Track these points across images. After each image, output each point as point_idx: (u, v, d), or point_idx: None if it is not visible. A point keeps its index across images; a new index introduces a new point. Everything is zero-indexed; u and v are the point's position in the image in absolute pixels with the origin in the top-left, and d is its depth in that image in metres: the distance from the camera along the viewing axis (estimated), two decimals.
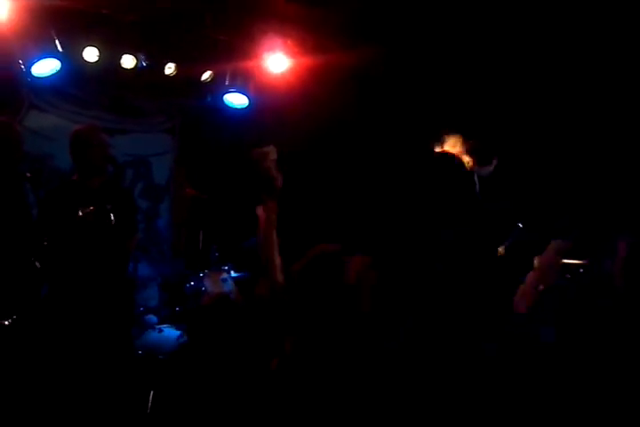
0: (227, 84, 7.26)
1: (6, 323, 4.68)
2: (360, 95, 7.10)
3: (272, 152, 2.97)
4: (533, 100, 6.56)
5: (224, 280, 6.39)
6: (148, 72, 7.01)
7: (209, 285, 6.28)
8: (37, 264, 4.98)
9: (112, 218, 4.91)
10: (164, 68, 7.06)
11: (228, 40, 7.06)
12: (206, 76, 7.25)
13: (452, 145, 5.57)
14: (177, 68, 7.07)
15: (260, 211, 2.92)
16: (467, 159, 5.37)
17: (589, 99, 6.21)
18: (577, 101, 6.29)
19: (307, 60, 7.08)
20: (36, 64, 6.40)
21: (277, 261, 2.87)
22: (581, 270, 4.68)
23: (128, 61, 6.85)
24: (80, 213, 4.83)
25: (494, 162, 5.52)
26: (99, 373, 4.77)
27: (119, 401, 4.80)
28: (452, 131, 5.66)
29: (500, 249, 5.11)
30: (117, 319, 4.95)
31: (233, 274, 6.55)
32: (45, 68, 6.46)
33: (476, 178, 4.83)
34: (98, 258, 4.90)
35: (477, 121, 6.95)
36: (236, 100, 7.32)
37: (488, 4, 6.24)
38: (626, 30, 5.73)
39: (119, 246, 5.00)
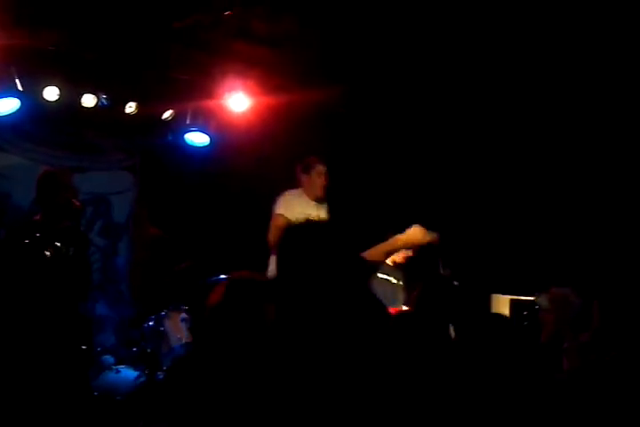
0: (188, 122, 7.30)
1: None
2: (321, 133, 7.16)
3: None
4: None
5: (183, 320, 6.32)
6: (109, 111, 7.02)
7: (168, 325, 6.20)
8: None
9: (72, 261, 4.89)
10: (124, 107, 7.06)
11: (189, 79, 7.10)
12: (167, 114, 7.26)
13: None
14: (138, 106, 7.08)
15: None
16: None
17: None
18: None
19: (267, 100, 7.15)
20: None
21: None
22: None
23: (88, 100, 6.86)
24: (48, 254, 4.81)
25: None
26: (54, 412, 4.68)
27: None
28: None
29: None
30: (73, 359, 4.87)
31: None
32: (5, 106, 6.44)
33: None
34: (56, 298, 4.84)
35: (440, 157, 7.08)
36: (196, 138, 7.35)
37: (449, 42, 6.37)
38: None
39: (75, 287, 4.96)
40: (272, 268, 5.48)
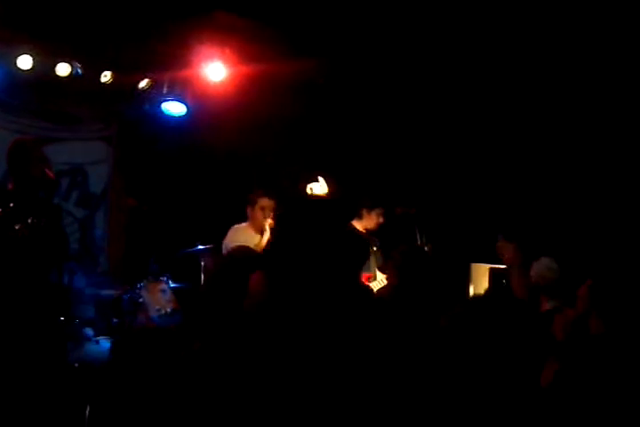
0: (164, 92, 7.21)
1: None
2: (297, 104, 7.12)
3: None
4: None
5: (163, 291, 6.32)
6: (84, 80, 6.92)
7: (147, 296, 6.20)
8: None
9: (44, 232, 4.83)
10: (100, 76, 6.97)
11: (166, 49, 7.01)
12: (144, 84, 7.18)
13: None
14: (113, 75, 6.99)
15: None
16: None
17: None
18: None
19: (245, 69, 7.07)
20: None
21: None
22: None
23: (63, 69, 6.76)
24: (17, 227, 4.74)
25: None
26: (31, 384, 4.66)
27: (54, 414, 4.70)
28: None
29: None
30: (50, 330, 4.85)
31: (171, 284, 6.48)
32: None
33: None
34: (28, 269, 4.80)
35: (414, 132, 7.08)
36: (173, 108, 7.28)
37: (427, 14, 6.33)
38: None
39: (48, 258, 4.92)
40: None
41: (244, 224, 5.88)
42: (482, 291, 5.35)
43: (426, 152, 7.11)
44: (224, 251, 5.66)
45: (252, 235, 5.70)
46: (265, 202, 5.78)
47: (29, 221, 4.77)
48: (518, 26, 6.05)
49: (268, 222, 5.59)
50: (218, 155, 7.50)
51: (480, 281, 5.48)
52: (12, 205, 4.79)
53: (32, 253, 4.77)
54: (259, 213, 5.75)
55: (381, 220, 6.05)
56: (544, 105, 6.42)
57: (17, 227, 4.74)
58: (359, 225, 6.03)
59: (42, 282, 4.81)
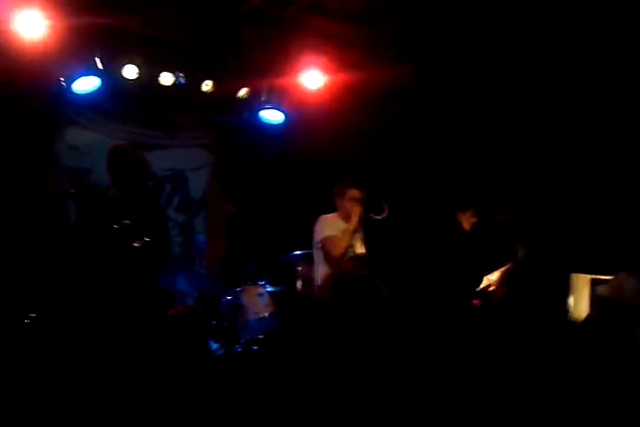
0: (263, 100, 7.35)
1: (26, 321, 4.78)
2: (396, 112, 7.14)
3: None
4: None
5: (261, 295, 6.45)
6: (186, 89, 7.13)
7: (246, 299, 6.33)
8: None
9: (145, 235, 4.97)
10: (201, 85, 7.17)
11: (264, 57, 7.14)
12: (242, 92, 7.34)
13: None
14: (214, 84, 7.17)
15: None
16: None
17: None
18: None
19: (342, 77, 7.13)
20: (76, 81, 6.56)
21: None
22: None
23: (166, 78, 6.98)
24: (115, 226, 4.89)
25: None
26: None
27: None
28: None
29: None
30: (153, 333, 4.99)
31: (269, 288, 6.60)
32: (85, 85, 6.62)
33: None
34: (129, 272, 4.95)
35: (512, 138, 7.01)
36: (271, 116, 7.42)
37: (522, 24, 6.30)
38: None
39: (151, 262, 5.05)
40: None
41: (332, 214, 5.89)
42: (582, 302, 5.25)
43: (521, 156, 7.02)
44: (314, 240, 5.70)
45: (340, 224, 5.70)
46: (354, 193, 5.80)
47: (130, 220, 4.92)
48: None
49: (356, 211, 5.60)
50: (314, 162, 7.59)
51: (581, 292, 5.39)
52: (111, 209, 4.98)
53: (145, 261, 4.92)
54: (348, 204, 5.77)
55: (475, 219, 6.06)
56: None
57: (117, 226, 4.91)
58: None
59: (148, 283, 4.95)
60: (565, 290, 5.44)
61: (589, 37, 6.06)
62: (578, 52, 6.23)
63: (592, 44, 6.10)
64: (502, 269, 5.31)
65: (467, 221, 6.06)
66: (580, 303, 5.29)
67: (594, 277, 5.35)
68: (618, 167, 6.36)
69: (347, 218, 5.70)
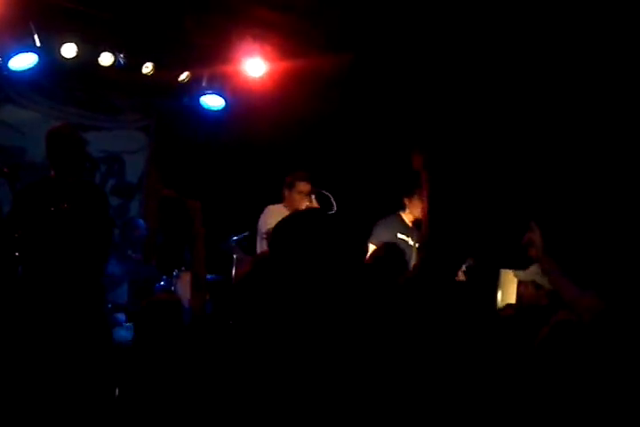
0: (204, 85, 7.32)
1: None
2: (335, 100, 7.20)
3: None
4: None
5: None
6: (126, 70, 7.05)
7: (180, 286, 6.31)
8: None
9: (86, 215, 4.92)
10: (141, 67, 7.09)
11: (206, 43, 7.11)
12: (183, 76, 7.29)
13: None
14: (154, 67, 7.10)
15: None
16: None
17: None
18: None
19: (284, 65, 7.15)
20: (13, 58, 6.42)
21: None
22: None
23: (106, 59, 6.88)
24: (52, 209, 4.84)
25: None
26: (73, 367, 4.77)
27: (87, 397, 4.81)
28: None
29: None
30: (90, 316, 4.96)
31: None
32: (23, 62, 6.47)
33: None
34: (71, 254, 4.90)
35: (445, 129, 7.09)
36: (212, 101, 7.39)
37: (461, 12, 6.39)
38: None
39: (94, 244, 5.01)
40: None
41: (278, 205, 5.91)
42: (510, 297, 5.39)
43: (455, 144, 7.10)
44: (259, 230, 5.71)
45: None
46: (304, 186, 5.83)
47: (72, 201, 4.87)
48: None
49: (305, 205, 5.63)
50: (254, 148, 7.60)
51: (508, 287, 5.54)
52: (52, 190, 4.92)
53: (71, 235, 4.87)
54: (296, 196, 5.80)
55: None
56: None
57: (57, 208, 4.86)
58: (408, 217, 6.03)
59: (85, 267, 4.91)
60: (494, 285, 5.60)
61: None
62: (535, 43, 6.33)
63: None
64: None
65: (414, 207, 6.07)
66: (507, 298, 5.45)
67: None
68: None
69: (293, 210, 5.75)
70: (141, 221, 7.12)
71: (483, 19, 6.40)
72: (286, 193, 5.91)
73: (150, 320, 4.03)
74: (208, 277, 6.55)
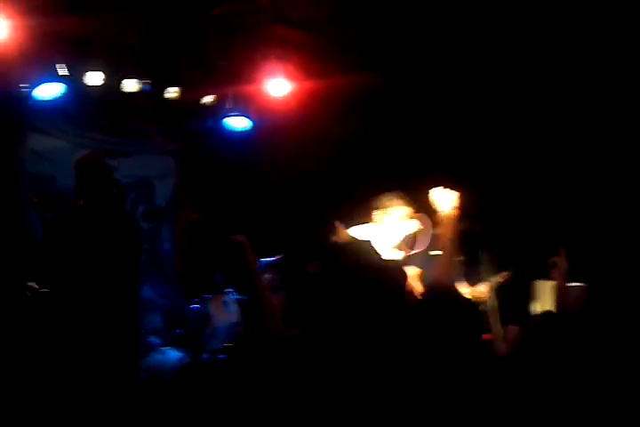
0: (228, 107, 7.36)
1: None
2: (360, 119, 7.19)
3: None
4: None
5: (226, 303, 6.44)
6: (151, 95, 7.11)
7: (212, 307, 6.32)
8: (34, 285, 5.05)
9: (117, 243, 4.93)
10: (165, 92, 7.14)
11: (229, 64, 7.15)
12: (208, 99, 7.33)
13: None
14: (179, 91, 7.16)
15: None
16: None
17: None
18: None
19: (307, 85, 7.17)
20: (38, 87, 6.49)
21: None
22: None
23: (131, 85, 6.94)
24: (82, 238, 4.86)
25: None
26: (104, 393, 4.76)
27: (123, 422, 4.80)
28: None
29: None
30: (124, 341, 4.95)
31: (236, 296, 6.58)
32: (48, 91, 6.55)
33: None
34: (104, 282, 4.91)
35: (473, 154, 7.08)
36: (237, 123, 7.43)
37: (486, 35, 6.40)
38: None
39: (126, 270, 5.01)
40: None
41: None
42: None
43: (491, 164, 7.07)
44: None
45: None
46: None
47: (101, 230, 4.89)
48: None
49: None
50: (280, 169, 7.60)
51: (545, 298, 5.46)
52: (81, 219, 4.94)
53: (103, 264, 4.88)
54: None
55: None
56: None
57: (88, 237, 4.88)
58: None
59: (119, 294, 4.91)
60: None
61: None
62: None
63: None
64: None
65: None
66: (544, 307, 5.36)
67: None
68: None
69: None
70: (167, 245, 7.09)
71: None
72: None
73: None
74: (240, 297, 6.57)
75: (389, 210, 5.23)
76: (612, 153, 6.46)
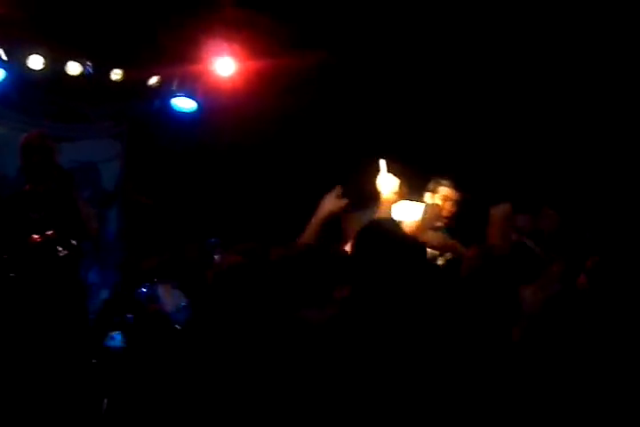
0: (174, 88, 7.27)
1: None
2: (306, 98, 7.14)
3: None
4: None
5: (175, 287, 6.38)
6: (95, 78, 6.99)
7: (162, 291, 6.26)
8: None
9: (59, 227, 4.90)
10: (110, 74, 7.04)
11: (175, 45, 7.05)
12: (153, 80, 7.24)
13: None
14: (123, 73, 7.05)
15: None
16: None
17: None
18: None
19: (254, 64, 7.11)
20: None
21: None
22: None
23: (74, 68, 6.83)
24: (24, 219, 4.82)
25: None
26: (53, 378, 4.75)
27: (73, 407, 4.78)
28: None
29: None
30: (71, 326, 4.93)
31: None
32: None
33: None
34: (48, 266, 4.87)
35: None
36: (184, 104, 7.34)
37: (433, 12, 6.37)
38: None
39: (69, 254, 4.98)
40: None
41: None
42: None
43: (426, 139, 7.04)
44: None
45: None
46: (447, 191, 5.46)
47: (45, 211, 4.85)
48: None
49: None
50: (228, 149, 7.54)
51: None
52: (27, 203, 4.89)
53: (47, 249, 4.85)
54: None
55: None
56: None
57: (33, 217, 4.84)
58: None
59: (62, 278, 4.89)
60: None
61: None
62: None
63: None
64: None
65: None
66: None
67: None
68: None
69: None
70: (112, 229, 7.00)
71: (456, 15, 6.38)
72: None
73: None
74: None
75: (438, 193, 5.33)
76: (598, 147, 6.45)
